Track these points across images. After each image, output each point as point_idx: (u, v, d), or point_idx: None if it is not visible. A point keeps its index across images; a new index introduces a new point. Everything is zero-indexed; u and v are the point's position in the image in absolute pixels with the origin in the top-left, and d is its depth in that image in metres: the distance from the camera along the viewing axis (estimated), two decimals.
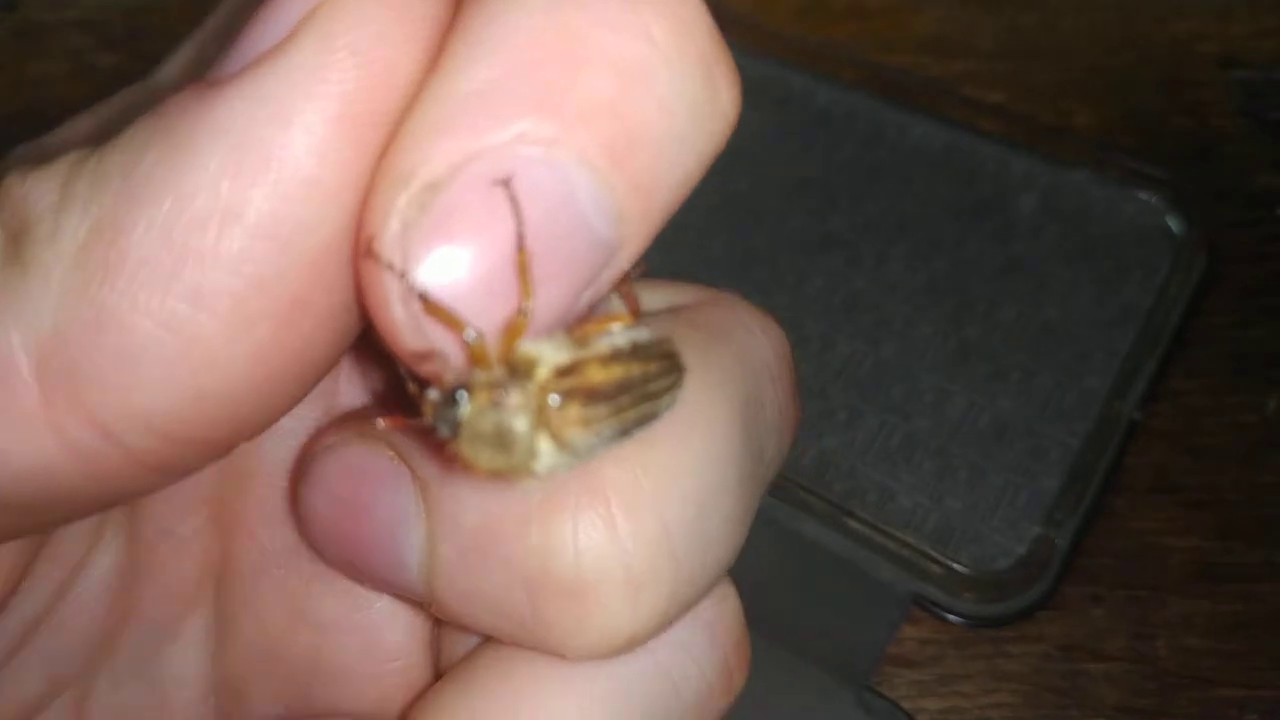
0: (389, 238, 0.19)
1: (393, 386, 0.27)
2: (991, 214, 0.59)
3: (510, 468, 0.21)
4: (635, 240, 0.21)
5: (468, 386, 0.21)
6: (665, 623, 0.25)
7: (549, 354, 0.21)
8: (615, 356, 0.22)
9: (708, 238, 0.61)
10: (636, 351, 0.22)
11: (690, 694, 0.26)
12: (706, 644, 0.27)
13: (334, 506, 0.26)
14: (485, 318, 0.20)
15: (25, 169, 0.20)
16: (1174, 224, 0.57)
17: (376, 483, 0.25)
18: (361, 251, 0.19)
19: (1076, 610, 0.49)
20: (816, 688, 0.48)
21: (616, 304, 0.24)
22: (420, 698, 0.28)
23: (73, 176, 0.19)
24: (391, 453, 0.25)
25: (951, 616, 0.50)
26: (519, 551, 0.23)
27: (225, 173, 0.18)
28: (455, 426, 0.21)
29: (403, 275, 0.19)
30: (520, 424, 0.21)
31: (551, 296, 0.20)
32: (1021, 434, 0.53)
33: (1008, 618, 0.49)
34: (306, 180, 0.18)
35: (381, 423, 0.23)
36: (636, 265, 0.22)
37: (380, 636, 0.29)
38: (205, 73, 0.22)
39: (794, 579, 0.51)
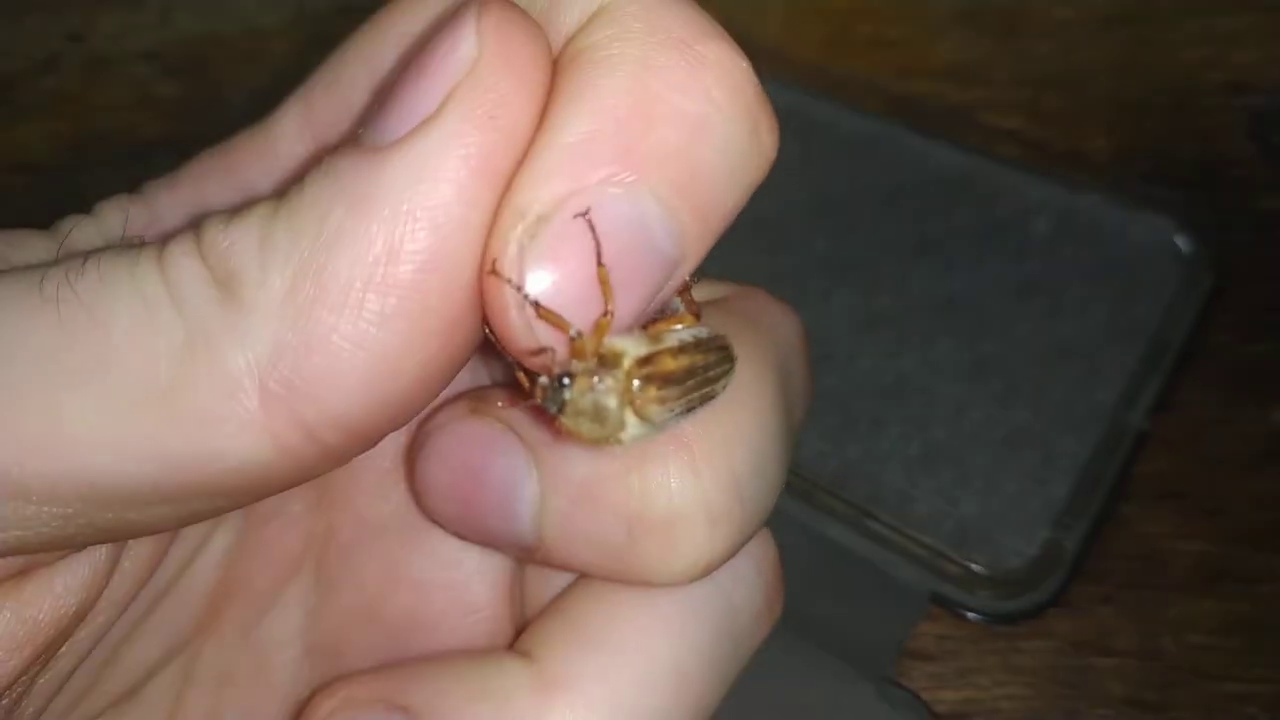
0: (508, 260, 0.24)
1: (507, 376, 0.32)
2: (1008, 235, 0.62)
3: (604, 436, 0.27)
4: (694, 256, 0.26)
5: (571, 374, 0.26)
6: (732, 552, 0.30)
7: (630, 347, 0.27)
8: (683, 349, 0.27)
9: (736, 257, 0.63)
10: (699, 345, 0.28)
11: (744, 616, 0.32)
12: (754, 575, 0.33)
13: (455, 473, 0.31)
14: (581, 320, 0.25)
15: (221, 222, 0.24)
16: (1182, 244, 0.60)
17: (493, 450, 0.31)
18: (486, 270, 0.24)
19: (1087, 609, 0.51)
20: (839, 679, 0.51)
21: (679, 306, 0.29)
22: (525, 630, 0.33)
23: (268, 230, 0.24)
24: (503, 425, 0.30)
25: (970, 614, 0.52)
26: (621, 496, 0.29)
27: (399, 222, 0.23)
28: (561, 405, 0.26)
29: (519, 289, 0.24)
30: (612, 402, 0.27)
31: (629, 301, 0.25)
32: (1034, 443, 0.56)
33: (1020, 614, 0.52)
34: (458, 222, 0.23)
35: (501, 403, 0.30)
36: (694, 275, 0.27)
37: (469, 591, 0.34)
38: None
39: (819, 578, 0.54)
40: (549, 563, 0.32)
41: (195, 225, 0.25)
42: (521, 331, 0.25)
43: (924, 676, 0.51)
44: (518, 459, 0.31)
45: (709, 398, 0.28)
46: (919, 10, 0.73)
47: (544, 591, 0.35)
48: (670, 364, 0.27)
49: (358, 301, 0.23)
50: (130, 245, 0.25)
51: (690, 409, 0.28)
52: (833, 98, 0.68)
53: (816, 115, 0.68)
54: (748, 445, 0.30)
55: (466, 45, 0.24)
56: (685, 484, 0.29)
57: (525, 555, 0.32)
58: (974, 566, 0.53)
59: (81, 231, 0.30)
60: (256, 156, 0.31)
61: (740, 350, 0.29)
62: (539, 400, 0.27)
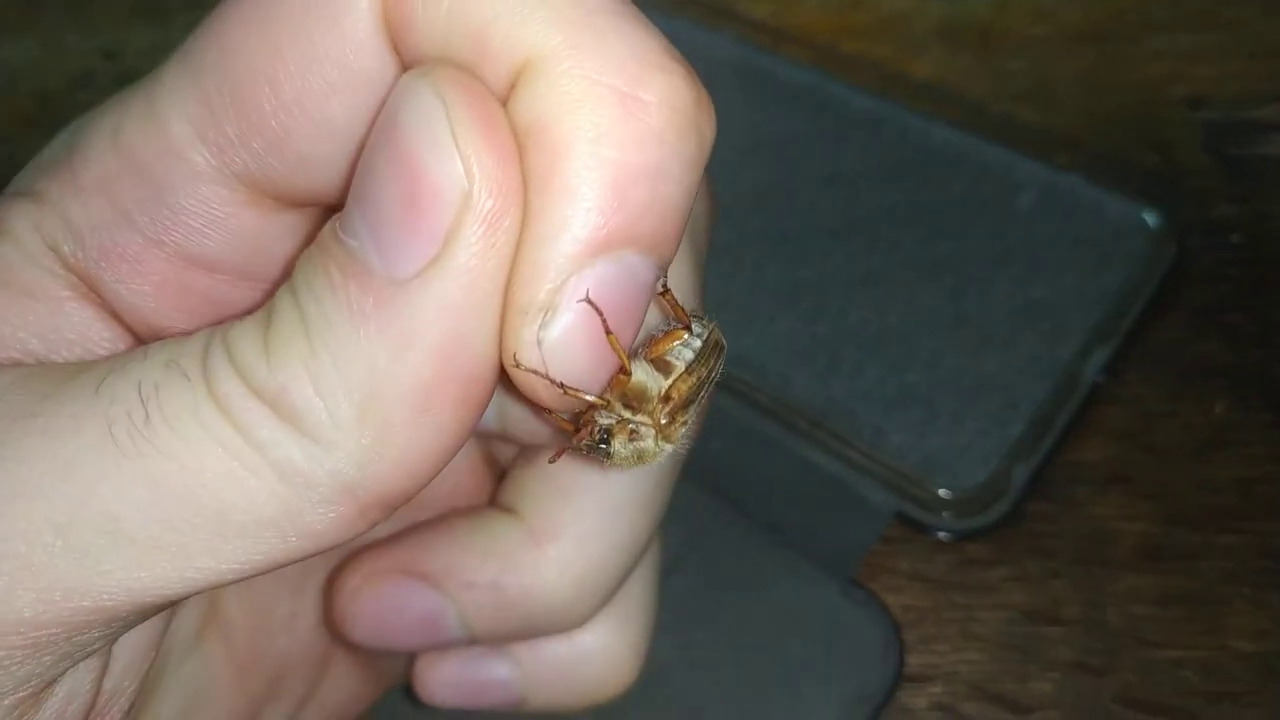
0: (531, 358, 0.27)
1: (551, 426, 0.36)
2: (994, 208, 0.68)
3: (644, 464, 0.32)
4: (669, 267, 0.29)
5: (609, 432, 0.31)
6: None
7: (651, 384, 0.31)
8: (690, 369, 0.32)
9: (749, 219, 0.70)
10: (701, 356, 0.32)
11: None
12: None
13: (379, 632, 0.40)
14: (601, 380, 0.29)
15: (257, 356, 0.27)
16: (1150, 219, 0.65)
17: (409, 604, 0.39)
18: (511, 365, 0.27)
19: (1039, 582, 0.56)
20: (807, 578, 0.56)
21: (671, 323, 0.33)
22: (505, 483, 0.41)
23: (317, 373, 0.27)
24: (411, 575, 0.39)
25: (937, 533, 0.57)
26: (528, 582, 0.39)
27: (439, 353, 0.26)
28: (608, 456, 0.32)
29: (543, 374, 0.27)
30: (649, 443, 0.32)
31: (629, 335, 0.28)
32: (999, 390, 0.61)
33: (972, 532, 0.57)
34: (487, 334, 0.27)
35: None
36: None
37: (454, 472, 0.42)
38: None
39: (796, 493, 0.59)
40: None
41: (222, 346, 0.28)
42: (555, 402, 0.29)
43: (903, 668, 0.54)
44: (434, 600, 0.39)
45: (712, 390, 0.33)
46: (902, 29, 0.78)
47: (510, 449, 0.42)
48: (684, 387, 0.32)
49: (418, 419, 0.27)
50: (171, 369, 0.28)
51: (700, 410, 0.33)
52: (841, 79, 0.75)
53: (829, 94, 0.75)
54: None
55: (455, 176, 0.25)
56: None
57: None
58: (935, 490, 0.58)
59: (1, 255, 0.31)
60: (158, 156, 0.31)
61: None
62: (586, 454, 0.32)
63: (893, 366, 0.62)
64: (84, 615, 0.26)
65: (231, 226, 0.31)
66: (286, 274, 0.29)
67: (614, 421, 0.31)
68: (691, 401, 0.32)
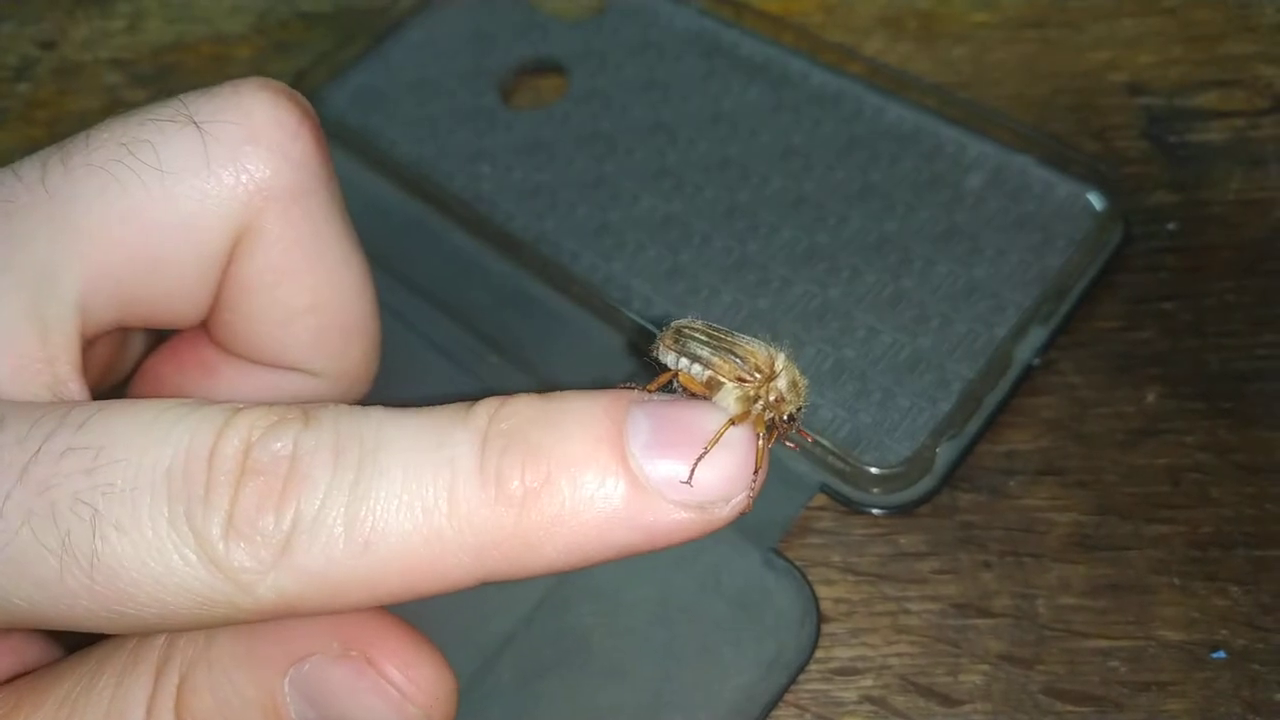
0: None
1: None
2: (943, 187, 0.68)
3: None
4: None
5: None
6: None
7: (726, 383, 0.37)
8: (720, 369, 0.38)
9: (700, 191, 0.70)
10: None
11: None
12: None
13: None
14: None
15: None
16: (1096, 201, 0.66)
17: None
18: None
19: (969, 574, 0.55)
20: (730, 546, 0.55)
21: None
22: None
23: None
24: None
25: (865, 507, 0.57)
26: None
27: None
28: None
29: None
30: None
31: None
32: (932, 368, 0.60)
33: (895, 508, 0.57)
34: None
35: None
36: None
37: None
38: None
39: None
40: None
41: None
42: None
43: (820, 637, 0.54)
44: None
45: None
46: (844, 15, 0.78)
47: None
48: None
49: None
50: None
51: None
52: (801, 52, 0.76)
53: (788, 69, 0.75)
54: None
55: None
56: None
57: None
58: (861, 465, 0.57)
59: None
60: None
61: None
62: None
63: (830, 341, 0.62)
64: None
65: None
66: None
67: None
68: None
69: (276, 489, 0.31)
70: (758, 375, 0.37)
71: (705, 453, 0.33)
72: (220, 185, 0.38)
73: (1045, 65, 0.75)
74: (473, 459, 0.32)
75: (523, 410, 0.33)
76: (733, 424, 0.34)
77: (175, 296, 0.40)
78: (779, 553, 0.55)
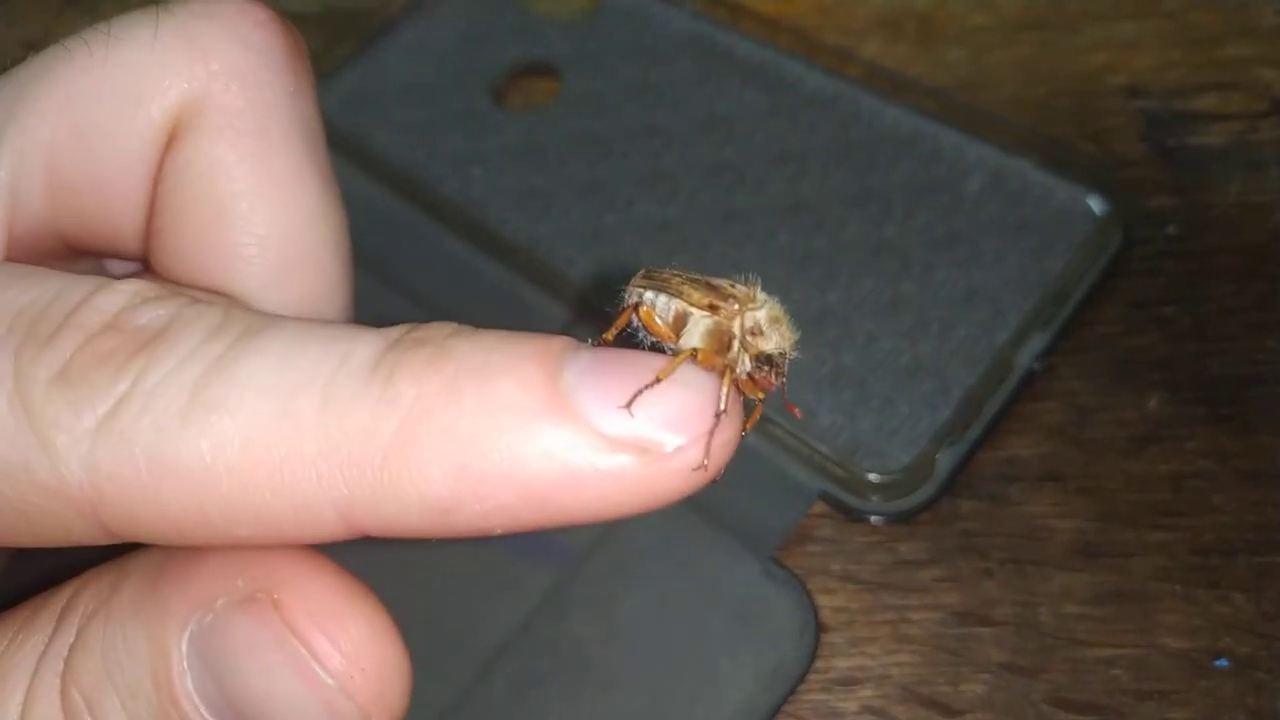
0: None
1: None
2: (942, 191, 0.67)
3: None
4: None
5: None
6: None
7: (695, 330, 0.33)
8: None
9: (697, 195, 0.70)
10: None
11: None
12: None
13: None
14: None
15: None
16: (1095, 205, 0.65)
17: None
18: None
19: (970, 582, 0.54)
20: (729, 555, 0.55)
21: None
22: None
23: None
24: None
25: (867, 516, 0.56)
26: None
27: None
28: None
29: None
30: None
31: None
32: (932, 373, 0.60)
33: (895, 516, 0.56)
34: None
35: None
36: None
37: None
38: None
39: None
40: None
41: None
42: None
43: (820, 646, 0.53)
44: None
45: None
46: (841, 17, 0.77)
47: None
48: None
49: None
50: None
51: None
52: (797, 55, 0.75)
53: (784, 71, 0.74)
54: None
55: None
56: None
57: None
58: (860, 473, 0.56)
59: None
60: None
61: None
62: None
63: (829, 347, 0.61)
64: None
65: None
66: None
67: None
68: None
69: (129, 348, 0.25)
70: (733, 302, 0.32)
71: (655, 382, 0.27)
72: (164, 50, 0.35)
73: (1043, 68, 0.74)
74: (368, 354, 0.26)
75: (449, 326, 0.28)
76: (695, 359, 0.29)
77: (112, 188, 0.35)
78: (778, 561, 0.55)
